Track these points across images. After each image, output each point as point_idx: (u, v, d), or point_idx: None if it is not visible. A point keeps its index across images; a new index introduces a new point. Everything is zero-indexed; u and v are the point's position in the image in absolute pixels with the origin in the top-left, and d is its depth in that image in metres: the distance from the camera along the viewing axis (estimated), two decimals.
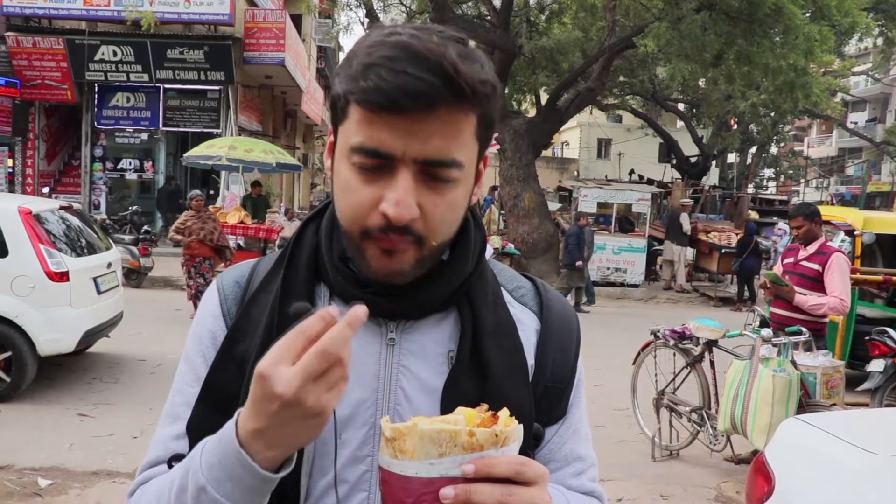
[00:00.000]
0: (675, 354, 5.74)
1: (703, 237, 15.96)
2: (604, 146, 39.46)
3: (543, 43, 17.62)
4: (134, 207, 16.31)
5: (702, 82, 21.34)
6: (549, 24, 19.41)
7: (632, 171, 28.20)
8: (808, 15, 13.04)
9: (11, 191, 16.58)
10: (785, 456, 2.93)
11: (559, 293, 1.10)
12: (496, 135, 14.70)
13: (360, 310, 0.74)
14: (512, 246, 14.57)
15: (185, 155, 13.84)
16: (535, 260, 14.92)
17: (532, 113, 19.53)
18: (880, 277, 7.65)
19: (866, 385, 5.96)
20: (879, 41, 22.90)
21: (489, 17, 16.34)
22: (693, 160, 27.89)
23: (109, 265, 7.03)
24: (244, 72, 17.66)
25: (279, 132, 22.99)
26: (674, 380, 5.71)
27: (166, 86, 17.19)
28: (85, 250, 6.80)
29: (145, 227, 13.89)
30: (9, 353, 6.04)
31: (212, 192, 17.73)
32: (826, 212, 7.65)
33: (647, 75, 22.25)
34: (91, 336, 6.57)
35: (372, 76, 0.82)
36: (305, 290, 0.97)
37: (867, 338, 6.22)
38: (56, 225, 6.61)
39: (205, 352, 1.00)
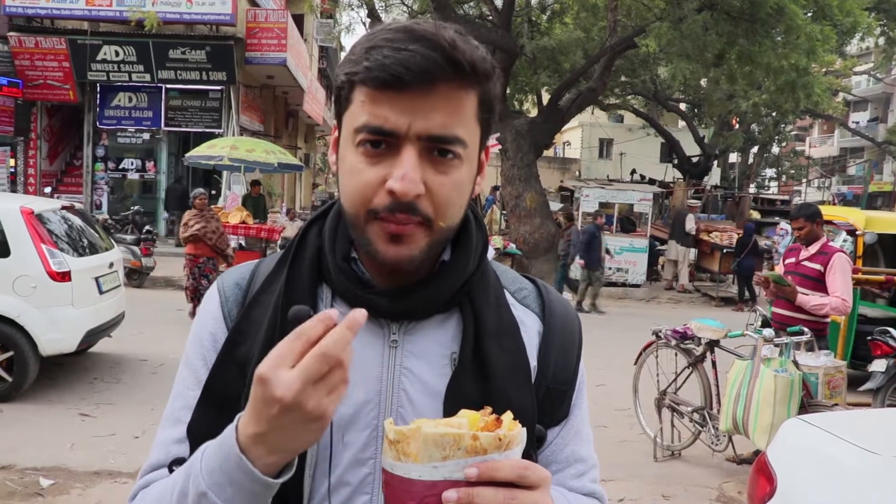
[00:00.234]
0: (676, 354, 5.74)
1: (705, 237, 15.95)
2: (605, 146, 39.44)
3: (545, 43, 17.61)
4: (136, 207, 16.32)
5: (703, 82, 21.32)
6: (550, 24, 19.42)
7: (633, 171, 28.19)
8: (809, 15, 13.02)
9: (13, 191, 16.59)
10: (787, 456, 2.92)
11: (561, 295, 1.10)
12: (497, 135, 14.74)
13: (360, 313, 0.74)
14: (514, 246, 14.57)
15: (187, 155, 13.85)
16: (536, 260, 14.90)
17: (534, 113, 19.52)
18: (882, 277, 7.64)
19: (868, 385, 5.95)
20: (881, 41, 22.86)
21: (491, 17, 16.34)
22: (695, 160, 27.88)
23: (111, 265, 7.04)
24: (246, 72, 17.67)
25: (281, 132, 23.00)
26: (675, 380, 5.71)
27: (168, 86, 17.19)
28: (87, 250, 6.81)
29: (147, 227, 13.89)
30: (10, 353, 6.05)
31: (213, 191, 17.76)
32: (828, 212, 7.64)
33: (648, 75, 22.24)
34: (93, 336, 6.58)
35: (375, 55, 0.85)
36: (308, 291, 0.97)
37: (869, 338, 6.21)
38: (58, 225, 6.61)
39: (205, 354, 1.00)
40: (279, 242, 12.13)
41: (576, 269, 13.20)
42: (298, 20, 20.62)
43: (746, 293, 14.06)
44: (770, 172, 47.29)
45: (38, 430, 5.46)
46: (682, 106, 29.32)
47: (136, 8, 15.60)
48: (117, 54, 16.60)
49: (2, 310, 6.01)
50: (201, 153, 13.21)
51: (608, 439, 5.79)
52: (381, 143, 0.86)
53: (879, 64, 31.69)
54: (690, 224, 15.31)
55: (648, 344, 5.90)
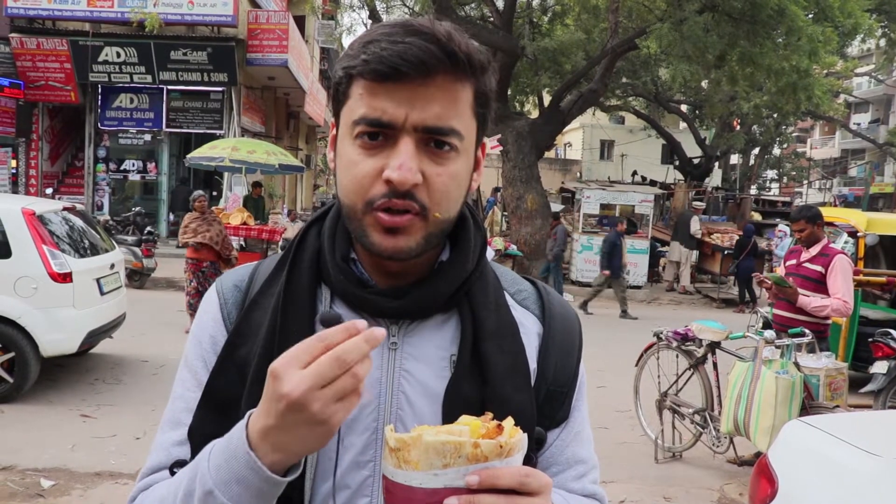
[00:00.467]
0: (677, 356, 5.74)
1: (706, 239, 15.95)
2: (606, 147, 39.45)
3: (546, 44, 17.64)
4: (137, 209, 16.32)
5: (704, 83, 21.32)
6: (551, 26, 19.43)
7: (634, 173, 28.18)
8: (810, 16, 13.02)
9: (15, 192, 16.60)
10: (788, 458, 2.92)
11: (560, 297, 1.10)
12: (499, 136, 14.74)
13: (379, 331, 0.74)
14: (515, 247, 14.57)
15: (189, 156, 13.85)
16: (537, 261, 14.90)
17: (535, 114, 19.53)
18: (883, 279, 7.63)
19: (869, 387, 5.94)
20: (882, 42, 22.88)
21: (492, 19, 16.36)
22: (696, 161, 27.88)
23: (112, 266, 7.04)
24: (247, 73, 17.67)
25: (282, 133, 23.01)
26: (676, 381, 5.70)
27: (169, 87, 17.20)
28: (88, 251, 6.81)
29: (148, 229, 13.90)
30: (12, 354, 6.05)
31: (214, 193, 17.77)
32: (829, 213, 7.64)
33: (649, 77, 22.25)
34: (94, 337, 6.58)
35: (372, 49, 0.86)
36: (307, 292, 0.97)
37: (870, 339, 6.21)
38: (59, 226, 6.62)
39: (205, 356, 1.00)
40: (280, 243, 12.12)
41: (573, 270, 13.20)
42: (300, 21, 20.63)
43: (747, 295, 14.05)
44: (771, 174, 47.25)
45: (39, 431, 5.47)
46: (684, 107, 29.33)
47: (137, 9, 15.61)
48: (119, 55, 16.61)
49: (3, 311, 6.01)
50: (202, 154, 13.21)
51: (609, 441, 5.79)
52: (379, 135, 0.87)
53: (880, 65, 31.71)
54: (696, 226, 15.30)
55: (649, 345, 5.90)
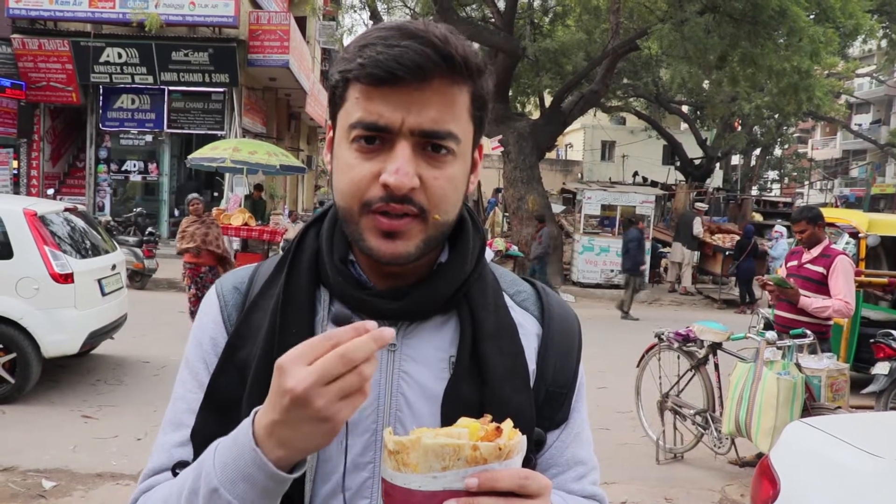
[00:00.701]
0: (679, 357, 5.73)
1: (708, 239, 15.94)
2: (607, 148, 39.45)
3: (547, 45, 17.65)
4: (138, 209, 16.33)
5: (706, 84, 21.34)
6: (552, 27, 19.45)
7: (635, 174, 28.17)
8: (812, 17, 13.02)
9: (16, 192, 16.62)
10: (790, 459, 2.92)
11: (560, 298, 1.10)
12: (500, 137, 14.76)
13: (388, 332, 0.75)
14: (516, 248, 14.59)
15: (190, 157, 13.86)
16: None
17: (536, 115, 19.55)
18: (885, 280, 7.63)
19: (871, 388, 5.94)
20: (884, 43, 22.87)
21: (493, 20, 16.37)
22: (697, 162, 27.89)
23: (114, 267, 7.05)
24: (248, 74, 17.69)
25: (283, 134, 23.02)
26: (678, 382, 5.70)
27: (171, 88, 17.21)
28: (89, 252, 6.82)
29: (149, 229, 13.90)
30: (13, 355, 6.06)
31: (216, 193, 17.78)
32: (830, 214, 7.63)
33: (650, 77, 22.26)
34: (95, 338, 6.58)
35: (368, 52, 0.86)
36: (306, 294, 0.97)
37: (872, 340, 6.20)
38: (61, 227, 6.62)
39: (206, 358, 1.00)
40: (281, 244, 12.13)
41: (574, 271, 13.19)
42: (301, 22, 20.65)
43: (747, 296, 14.04)
44: (772, 175, 47.26)
45: (40, 431, 5.47)
46: (685, 108, 29.33)
47: (137, 9, 15.62)
48: (120, 56, 16.62)
49: (4, 311, 6.02)
50: (204, 155, 13.22)
51: (610, 442, 5.78)
52: (376, 139, 0.87)
53: (882, 66, 31.72)
54: (698, 228, 15.30)
55: (651, 346, 5.89)
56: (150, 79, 16.85)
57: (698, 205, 17.26)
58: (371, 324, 0.75)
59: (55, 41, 16.52)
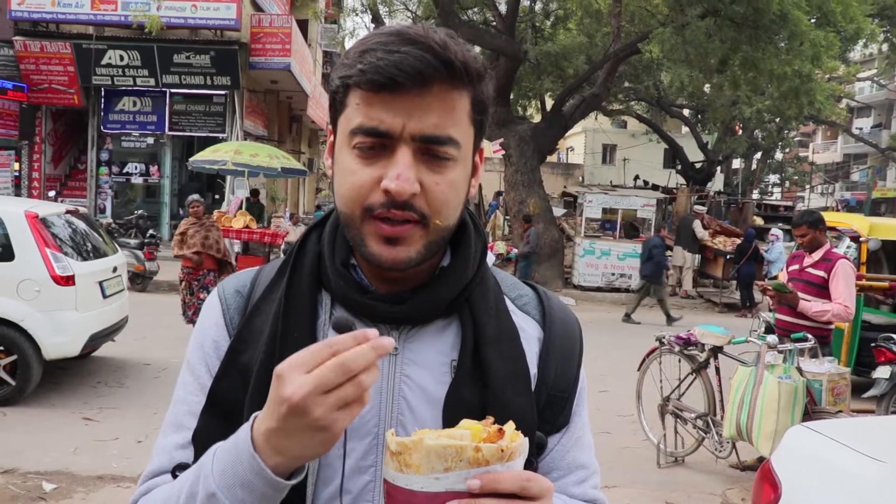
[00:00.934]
0: (680, 361, 5.73)
1: (709, 243, 15.93)
2: (609, 152, 39.47)
3: (549, 48, 17.66)
4: (139, 212, 16.35)
5: (707, 88, 21.35)
6: (554, 30, 19.46)
7: (636, 177, 28.19)
8: (813, 21, 13.03)
9: (18, 194, 16.62)
10: (791, 463, 2.92)
11: (561, 302, 1.10)
12: (501, 140, 14.76)
13: (388, 340, 0.74)
14: (517, 251, 14.60)
15: (191, 159, 13.87)
16: (539, 265, 14.91)
17: (537, 118, 19.56)
18: (886, 284, 7.62)
19: (872, 392, 5.93)
20: (884, 47, 22.88)
21: (494, 23, 16.38)
22: (698, 166, 27.89)
23: (115, 269, 7.05)
24: (250, 76, 17.71)
25: (284, 137, 23.05)
26: (679, 386, 5.70)
27: (172, 90, 17.24)
28: (91, 254, 6.82)
29: (150, 232, 13.92)
30: (14, 357, 6.06)
31: (217, 196, 17.79)
32: (831, 218, 7.63)
33: (652, 81, 22.27)
34: (96, 340, 6.58)
35: (368, 58, 0.86)
36: (308, 297, 0.97)
37: (873, 344, 6.20)
38: (62, 229, 6.63)
39: (208, 360, 1.00)
40: (282, 247, 12.13)
41: (575, 274, 13.19)
42: (303, 25, 20.69)
43: (748, 300, 14.03)
44: (773, 178, 47.28)
45: (41, 433, 5.47)
46: (686, 112, 29.34)
47: (138, 11, 15.65)
48: (122, 59, 16.65)
49: (6, 313, 6.02)
50: (205, 157, 13.23)
51: (611, 445, 5.78)
52: (377, 145, 0.87)
53: (883, 70, 31.71)
54: (700, 230, 15.29)
55: (652, 350, 5.89)
56: (152, 81, 16.88)
57: (696, 207, 17.25)
58: (372, 332, 0.74)
59: (57, 43, 16.55)
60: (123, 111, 17.54)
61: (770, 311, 6.06)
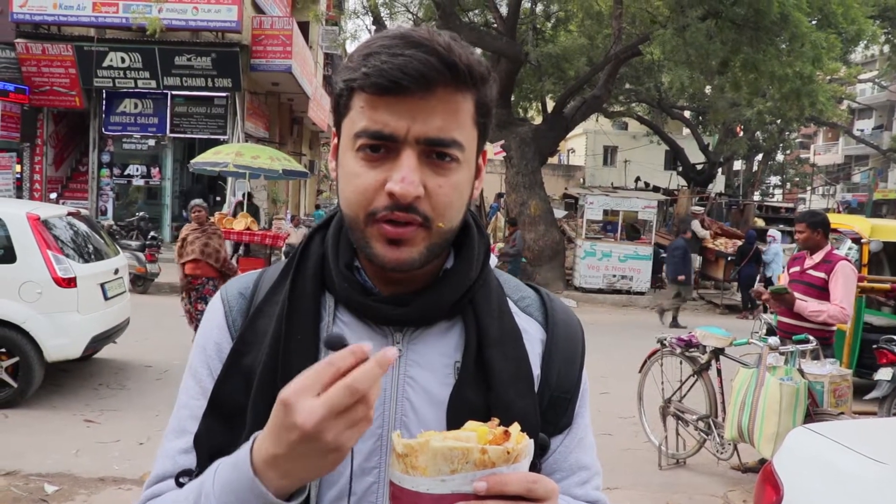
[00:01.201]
0: (681, 362, 5.73)
1: (710, 245, 15.92)
2: (609, 153, 39.45)
3: (549, 50, 17.68)
4: (141, 214, 16.35)
5: (708, 90, 21.35)
6: (555, 32, 19.48)
7: (637, 179, 28.20)
8: (814, 22, 13.03)
9: (19, 196, 16.64)
10: (793, 465, 2.91)
11: (564, 303, 1.10)
12: (502, 142, 14.77)
13: (391, 351, 0.74)
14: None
15: (192, 161, 13.88)
16: (541, 267, 14.92)
17: (538, 120, 19.55)
18: (887, 285, 7.62)
19: (874, 394, 5.93)
20: (886, 49, 22.87)
21: (496, 25, 16.38)
22: (699, 167, 27.89)
23: (116, 271, 7.06)
24: (251, 78, 17.72)
25: (286, 139, 23.06)
26: (680, 388, 5.69)
27: (174, 92, 17.25)
28: (92, 256, 6.82)
29: (152, 234, 13.92)
30: (16, 359, 6.06)
31: (218, 198, 17.80)
32: (833, 219, 7.62)
33: (653, 83, 22.27)
34: (98, 342, 6.59)
35: (372, 61, 0.86)
36: (311, 300, 0.97)
37: (875, 346, 6.19)
38: (64, 231, 6.63)
39: (210, 364, 1.00)
40: (283, 249, 12.13)
41: (576, 276, 13.19)
42: (304, 27, 20.70)
43: (749, 301, 14.03)
44: (775, 180, 47.26)
45: (42, 435, 5.47)
46: (687, 113, 29.34)
47: (138, 12, 15.67)
48: (123, 61, 16.67)
49: (7, 315, 6.02)
50: (206, 159, 13.24)
51: (613, 447, 5.77)
52: (381, 148, 0.88)
53: (884, 72, 31.66)
54: (701, 231, 15.28)
55: (653, 352, 5.89)
56: (153, 83, 16.89)
57: (694, 208, 17.25)
58: (367, 346, 0.74)
59: (59, 45, 16.58)
60: (125, 113, 17.56)
61: (771, 312, 6.05)
